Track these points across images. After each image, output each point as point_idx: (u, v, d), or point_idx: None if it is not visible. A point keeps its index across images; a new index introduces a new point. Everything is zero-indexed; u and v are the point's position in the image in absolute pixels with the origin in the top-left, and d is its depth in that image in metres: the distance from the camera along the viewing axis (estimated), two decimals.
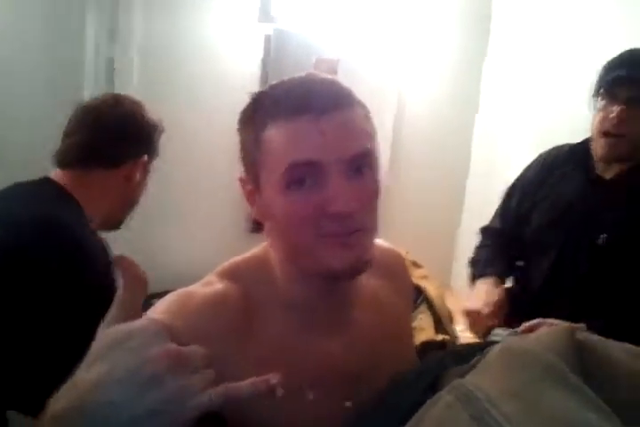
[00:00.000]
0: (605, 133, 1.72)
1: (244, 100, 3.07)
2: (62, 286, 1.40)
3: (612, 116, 1.69)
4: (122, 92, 2.49)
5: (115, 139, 1.62)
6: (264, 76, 2.83)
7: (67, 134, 1.61)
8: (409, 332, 1.22)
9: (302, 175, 0.86)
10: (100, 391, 0.61)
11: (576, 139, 1.99)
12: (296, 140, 0.86)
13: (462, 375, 0.75)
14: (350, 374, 0.99)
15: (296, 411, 0.92)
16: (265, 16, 2.78)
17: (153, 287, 2.71)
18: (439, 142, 3.22)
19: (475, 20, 3.32)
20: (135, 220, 2.65)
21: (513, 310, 1.87)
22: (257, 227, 2.93)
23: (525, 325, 1.26)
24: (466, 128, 3.41)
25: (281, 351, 0.95)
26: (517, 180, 2.09)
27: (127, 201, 1.74)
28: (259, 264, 1.01)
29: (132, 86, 2.58)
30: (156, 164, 2.62)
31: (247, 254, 1.05)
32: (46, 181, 1.56)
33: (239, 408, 0.88)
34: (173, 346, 0.65)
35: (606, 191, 1.79)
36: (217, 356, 0.85)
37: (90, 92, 2.49)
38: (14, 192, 1.56)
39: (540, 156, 2.05)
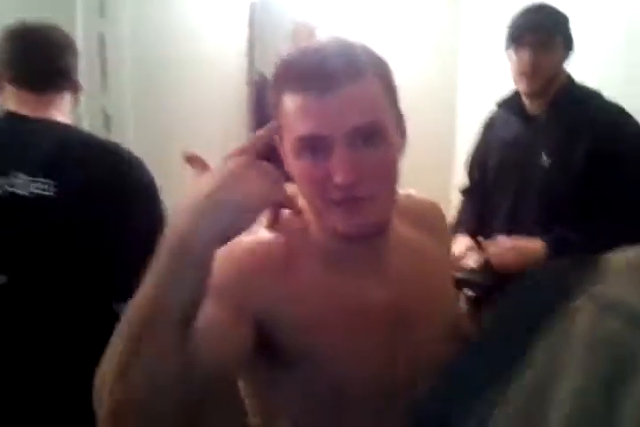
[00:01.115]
0: (522, 73, 2.05)
1: (232, 67, 3.15)
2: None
3: (524, 58, 2.02)
4: (114, 66, 2.57)
5: (74, 61, 1.68)
6: (251, 41, 2.87)
7: (21, 58, 1.62)
8: (448, 278, 1.27)
9: (309, 146, 0.92)
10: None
11: None
12: (301, 114, 0.92)
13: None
14: (387, 318, 1.04)
15: (339, 350, 1.00)
16: None
17: None
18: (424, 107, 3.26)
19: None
20: None
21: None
22: None
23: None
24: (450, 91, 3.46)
25: (318, 292, 1.01)
26: (475, 144, 2.41)
27: None
28: (297, 218, 1.04)
29: (124, 59, 2.62)
30: (153, 133, 2.69)
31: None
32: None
33: (289, 345, 0.97)
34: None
35: (539, 124, 2.12)
36: (268, 293, 0.97)
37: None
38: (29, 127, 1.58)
39: (483, 120, 2.39)
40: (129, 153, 1.63)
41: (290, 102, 0.93)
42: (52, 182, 1.46)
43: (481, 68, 3.40)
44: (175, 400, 0.77)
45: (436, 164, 3.39)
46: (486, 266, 2.08)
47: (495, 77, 3.27)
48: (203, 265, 0.79)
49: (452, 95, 3.54)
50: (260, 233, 1.01)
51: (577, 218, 2.03)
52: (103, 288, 1.51)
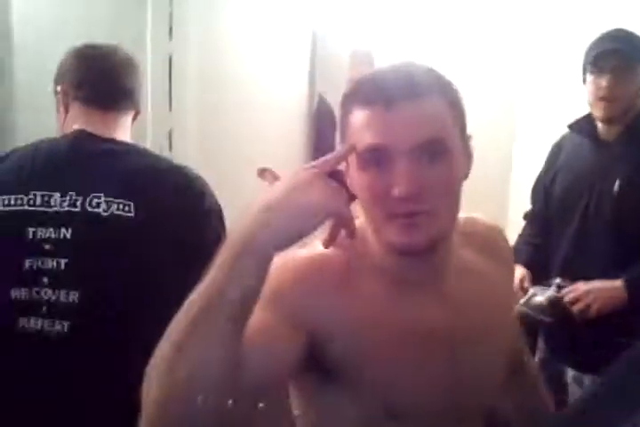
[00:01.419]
0: (601, 99, 2.05)
1: (294, 94, 3.22)
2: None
3: (603, 84, 2.02)
4: (181, 87, 2.65)
5: (138, 82, 1.73)
6: (312, 68, 2.95)
7: (90, 77, 1.66)
8: (508, 304, 1.25)
9: (373, 158, 0.95)
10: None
11: None
12: (367, 126, 0.95)
13: None
14: (441, 338, 1.04)
15: (394, 365, 1.01)
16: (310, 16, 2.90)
17: None
18: (481, 128, 3.27)
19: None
20: None
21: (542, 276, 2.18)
22: None
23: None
24: (507, 113, 3.49)
25: (376, 309, 1.01)
26: (543, 167, 2.40)
27: None
28: (358, 232, 1.05)
29: (190, 81, 2.71)
30: (215, 151, 2.75)
31: None
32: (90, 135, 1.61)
33: (345, 367, 0.99)
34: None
35: (612, 150, 2.11)
36: (323, 306, 0.98)
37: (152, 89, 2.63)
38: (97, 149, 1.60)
39: (553, 145, 2.38)
40: (200, 178, 1.68)
41: (356, 117, 0.97)
42: (132, 203, 1.49)
43: (540, 97, 3.40)
44: (218, 398, 0.79)
45: (493, 192, 3.39)
46: (556, 304, 2.08)
47: (553, 105, 3.28)
48: (262, 264, 0.83)
49: (511, 122, 3.54)
50: (319, 248, 1.03)
51: None
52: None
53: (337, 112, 2.85)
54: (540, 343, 2.29)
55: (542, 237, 2.33)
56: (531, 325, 2.11)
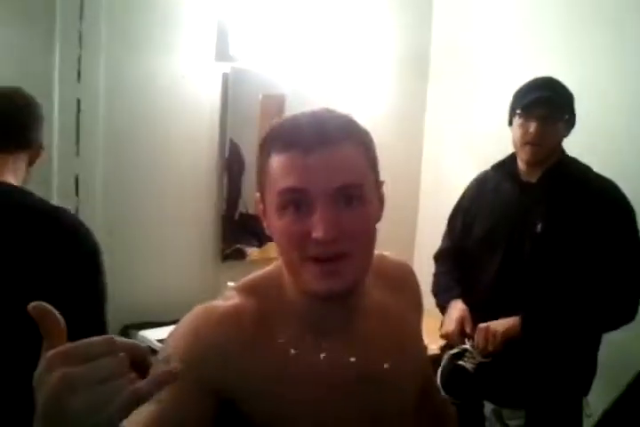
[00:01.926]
0: (527, 143, 2.16)
1: (206, 135, 3.23)
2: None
3: (531, 130, 2.14)
4: (88, 132, 2.61)
5: (33, 122, 1.74)
6: (223, 111, 2.96)
7: None
8: (418, 343, 1.27)
9: (290, 201, 0.96)
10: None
11: None
12: (286, 170, 0.96)
13: None
14: (358, 381, 1.06)
15: (310, 414, 1.02)
16: (222, 56, 2.92)
17: (131, 318, 2.82)
18: (390, 171, 3.37)
19: (414, 54, 3.55)
20: (108, 254, 2.75)
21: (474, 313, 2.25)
22: (228, 256, 3.04)
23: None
24: (414, 155, 3.60)
25: (292, 361, 1.03)
26: (458, 202, 2.50)
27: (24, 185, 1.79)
28: (272, 279, 1.10)
29: (98, 126, 2.68)
30: (124, 198, 2.73)
31: (263, 270, 1.15)
32: None
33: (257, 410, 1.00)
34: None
35: (533, 192, 2.23)
36: (232, 367, 0.99)
37: (59, 133, 2.58)
38: None
39: (474, 179, 2.48)
40: (76, 220, 1.68)
41: (276, 161, 0.98)
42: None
43: (443, 144, 3.53)
44: None
45: (400, 229, 3.46)
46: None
47: (457, 152, 3.42)
48: None
49: (417, 167, 3.65)
50: (233, 298, 1.07)
51: (564, 287, 2.14)
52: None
53: (246, 156, 2.88)
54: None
55: (461, 271, 2.42)
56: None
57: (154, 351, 2.60)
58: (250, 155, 3.02)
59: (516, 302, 2.20)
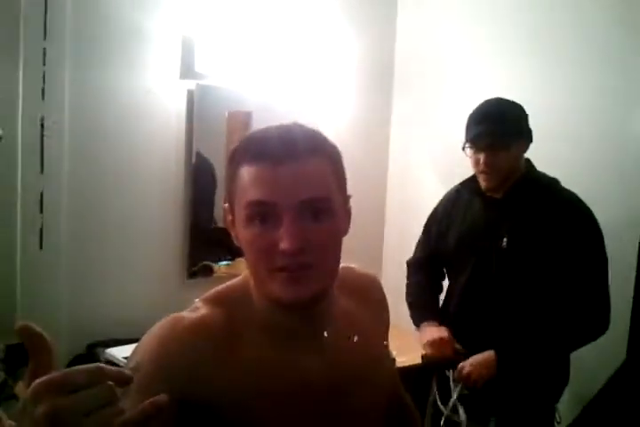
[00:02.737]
0: (481, 172, 2.23)
1: (172, 151, 3.22)
2: None
3: (481, 161, 2.20)
4: (52, 149, 2.60)
5: None
6: (189, 128, 2.97)
7: None
8: (383, 352, 1.27)
9: (258, 213, 0.98)
10: None
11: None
12: (254, 182, 0.98)
13: None
14: (325, 389, 1.08)
15: (279, 423, 1.03)
16: (187, 73, 2.93)
17: (96, 336, 2.79)
18: (356, 184, 3.39)
19: (379, 69, 3.60)
20: (74, 272, 2.74)
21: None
22: (194, 273, 3.03)
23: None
24: (380, 165, 3.63)
25: (260, 370, 1.03)
26: (431, 215, 2.54)
27: None
28: (240, 289, 1.11)
29: (62, 143, 2.67)
30: (88, 214, 2.72)
31: (230, 281, 1.15)
32: None
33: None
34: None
35: (499, 208, 2.27)
36: (201, 377, 1.00)
37: (22, 150, 2.57)
38: None
39: (446, 193, 2.53)
40: None
41: (245, 172, 1.00)
42: None
43: (410, 145, 3.57)
44: None
45: (368, 241, 3.48)
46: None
47: (424, 155, 3.45)
48: None
49: (383, 174, 3.68)
50: (200, 309, 1.07)
51: (532, 302, 2.18)
52: None
53: (216, 167, 2.86)
54: (434, 387, 2.39)
55: (434, 282, 2.50)
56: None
57: None
58: (218, 170, 3.04)
59: (484, 314, 2.25)
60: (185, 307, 3.09)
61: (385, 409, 1.22)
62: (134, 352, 1.03)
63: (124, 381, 0.65)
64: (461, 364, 2.19)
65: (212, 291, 1.14)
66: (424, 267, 2.53)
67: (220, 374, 1.01)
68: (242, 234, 1.01)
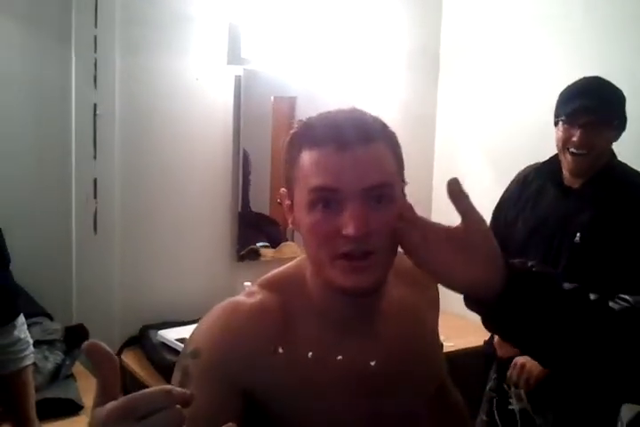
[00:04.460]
0: (571, 152, 2.06)
1: (219, 138, 3.24)
2: None
3: (574, 139, 2.03)
4: (105, 136, 2.66)
5: None
6: (236, 113, 3.00)
7: None
8: (436, 338, 1.27)
9: (322, 199, 0.96)
10: None
11: (529, 155, 2.35)
12: (320, 167, 0.97)
13: None
14: (378, 377, 1.08)
15: (325, 412, 1.04)
16: (234, 58, 2.96)
17: (150, 318, 2.86)
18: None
19: (425, 53, 3.58)
20: (127, 255, 2.81)
21: None
22: (242, 256, 3.07)
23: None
24: (426, 153, 3.60)
25: (311, 359, 1.04)
26: (501, 199, 2.38)
27: None
28: (295, 275, 1.11)
29: (114, 130, 2.73)
30: (141, 199, 2.77)
31: (285, 266, 1.15)
32: None
33: (273, 408, 1.01)
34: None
35: (576, 199, 2.11)
36: (258, 363, 1.01)
37: (76, 137, 2.65)
38: None
39: (517, 175, 2.36)
40: None
41: (307, 157, 0.99)
42: None
43: (457, 129, 3.54)
44: None
45: None
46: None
47: (471, 140, 3.42)
48: None
49: (430, 158, 3.66)
50: (256, 295, 1.08)
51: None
52: None
53: (253, 159, 2.86)
54: (492, 374, 2.35)
55: None
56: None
57: (174, 351, 2.63)
58: (261, 157, 3.08)
59: None
60: (234, 290, 3.16)
61: (431, 403, 1.21)
62: (192, 337, 1.05)
63: (188, 402, 0.65)
64: (518, 359, 2.14)
65: (267, 276, 1.14)
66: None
67: (275, 361, 1.02)
68: (303, 219, 1.00)
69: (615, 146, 2.12)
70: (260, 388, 1.01)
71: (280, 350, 1.03)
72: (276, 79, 3.08)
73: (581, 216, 2.07)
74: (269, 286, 1.10)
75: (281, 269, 1.16)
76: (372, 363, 1.08)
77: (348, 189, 0.95)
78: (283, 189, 1.07)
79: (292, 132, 1.05)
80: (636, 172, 2.11)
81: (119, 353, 2.75)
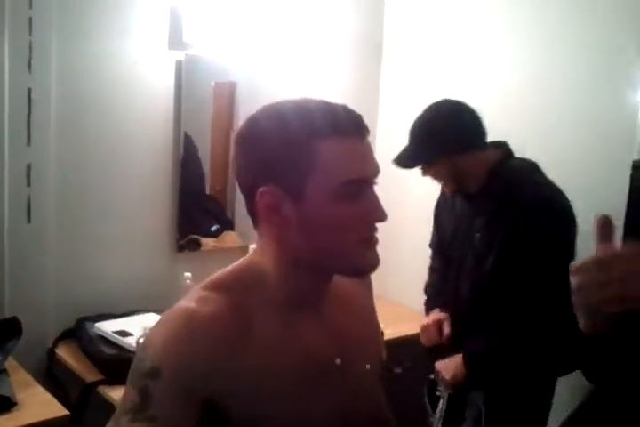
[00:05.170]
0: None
1: (160, 123, 3.17)
2: None
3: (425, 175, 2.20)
4: (39, 121, 2.57)
5: None
6: (177, 98, 2.94)
7: None
8: (373, 318, 1.32)
9: (355, 190, 1.01)
10: None
11: None
12: (351, 159, 1.01)
13: None
14: (331, 364, 1.11)
15: (290, 409, 1.04)
16: (175, 43, 2.89)
17: (86, 310, 2.78)
18: None
19: (367, 40, 3.56)
20: (62, 245, 2.72)
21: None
22: (183, 246, 3.01)
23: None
24: None
25: (274, 350, 1.04)
26: (437, 199, 2.52)
27: None
28: (247, 272, 1.11)
29: (49, 115, 2.63)
30: (77, 187, 2.68)
31: (232, 266, 1.14)
32: None
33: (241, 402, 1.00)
34: None
35: (475, 204, 2.22)
36: (222, 372, 0.99)
37: (9, 122, 2.54)
38: None
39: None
40: None
41: (336, 148, 1.00)
42: None
43: (398, 122, 3.53)
44: None
45: None
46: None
47: None
48: None
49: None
50: (207, 300, 1.04)
51: (500, 298, 2.11)
52: None
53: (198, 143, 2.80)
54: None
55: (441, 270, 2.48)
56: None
57: (111, 344, 2.57)
58: (201, 142, 3.05)
59: (456, 313, 2.29)
60: (174, 280, 3.10)
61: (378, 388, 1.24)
62: (147, 352, 1.00)
63: None
64: (438, 364, 2.23)
65: (216, 277, 1.12)
66: (437, 253, 2.52)
67: (236, 365, 1.00)
68: (325, 211, 1.00)
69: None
70: (223, 396, 0.99)
71: (240, 355, 1.01)
72: (217, 64, 3.03)
73: (479, 219, 2.18)
74: (219, 287, 1.08)
75: (229, 268, 1.14)
76: (328, 346, 1.11)
77: (372, 179, 1.05)
78: (265, 186, 1.01)
79: (281, 121, 1.01)
80: (526, 169, 2.18)
81: (54, 346, 2.66)
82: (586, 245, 2.07)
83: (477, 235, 2.17)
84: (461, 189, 2.21)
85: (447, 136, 2.12)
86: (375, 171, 1.04)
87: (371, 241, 1.05)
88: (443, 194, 2.43)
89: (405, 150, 2.18)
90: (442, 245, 2.43)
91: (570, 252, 2.03)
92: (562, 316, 1.82)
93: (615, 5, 2.59)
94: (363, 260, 1.05)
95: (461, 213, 2.29)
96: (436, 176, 2.19)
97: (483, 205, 2.18)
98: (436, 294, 2.47)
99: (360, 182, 1.01)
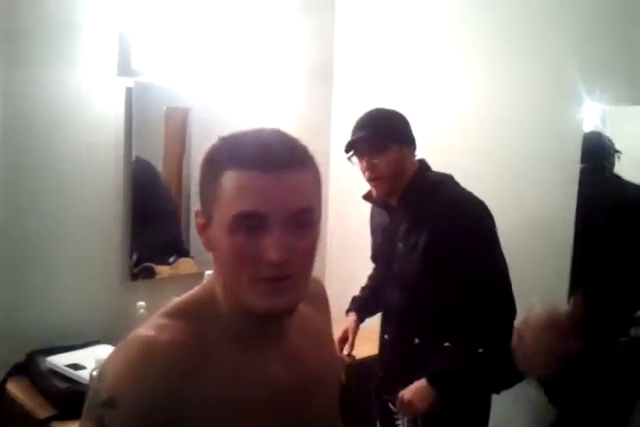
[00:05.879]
0: (368, 179, 2.24)
1: (110, 151, 3.12)
2: None
3: (363, 168, 2.22)
4: None
5: None
6: (128, 125, 2.90)
7: None
8: (332, 346, 1.33)
9: (246, 223, 0.95)
10: None
11: None
12: (245, 191, 0.94)
13: None
14: (291, 392, 1.08)
15: None
16: (124, 70, 2.86)
17: (37, 344, 2.69)
18: None
19: (319, 71, 3.59)
20: (9, 276, 2.63)
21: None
22: (136, 274, 2.95)
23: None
24: (322, 167, 3.59)
25: (234, 378, 1.02)
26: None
27: None
28: (204, 300, 1.08)
29: None
30: (24, 213, 2.61)
31: (193, 291, 1.12)
32: None
33: None
34: None
35: (395, 214, 2.29)
36: (179, 400, 0.96)
37: None
38: None
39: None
40: None
41: (232, 178, 0.96)
42: None
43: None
44: None
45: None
46: None
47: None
48: None
49: (326, 171, 3.65)
50: (165, 328, 1.02)
51: (429, 305, 2.16)
52: None
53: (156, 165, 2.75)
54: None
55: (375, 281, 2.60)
56: None
57: (64, 378, 2.50)
58: (155, 165, 3.03)
59: (393, 318, 2.32)
60: (127, 311, 3.04)
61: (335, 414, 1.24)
62: (103, 383, 0.97)
63: None
64: (401, 392, 2.17)
65: (174, 304, 1.10)
66: (372, 276, 2.68)
67: (198, 392, 0.98)
68: (222, 241, 0.98)
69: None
70: (181, 424, 0.96)
71: (199, 382, 0.98)
72: (168, 90, 3.01)
73: (400, 228, 2.23)
74: (178, 314, 1.06)
75: (188, 295, 1.12)
76: (285, 378, 1.08)
77: (274, 215, 0.95)
78: (197, 208, 1.04)
79: (212, 148, 1.02)
80: (441, 179, 2.26)
81: (3, 383, 2.56)
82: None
83: (400, 244, 2.21)
84: (391, 192, 2.24)
85: (399, 124, 2.27)
86: (281, 206, 0.95)
87: (269, 283, 0.97)
88: (372, 208, 2.50)
89: (357, 138, 2.21)
90: (374, 250, 2.52)
91: (494, 242, 2.15)
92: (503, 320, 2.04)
93: (555, 22, 2.68)
94: (255, 301, 0.98)
95: (383, 224, 2.37)
96: (380, 168, 2.18)
97: (402, 215, 2.24)
98: (363, 298, 2.64)
99: (255, 216, 0.94)
